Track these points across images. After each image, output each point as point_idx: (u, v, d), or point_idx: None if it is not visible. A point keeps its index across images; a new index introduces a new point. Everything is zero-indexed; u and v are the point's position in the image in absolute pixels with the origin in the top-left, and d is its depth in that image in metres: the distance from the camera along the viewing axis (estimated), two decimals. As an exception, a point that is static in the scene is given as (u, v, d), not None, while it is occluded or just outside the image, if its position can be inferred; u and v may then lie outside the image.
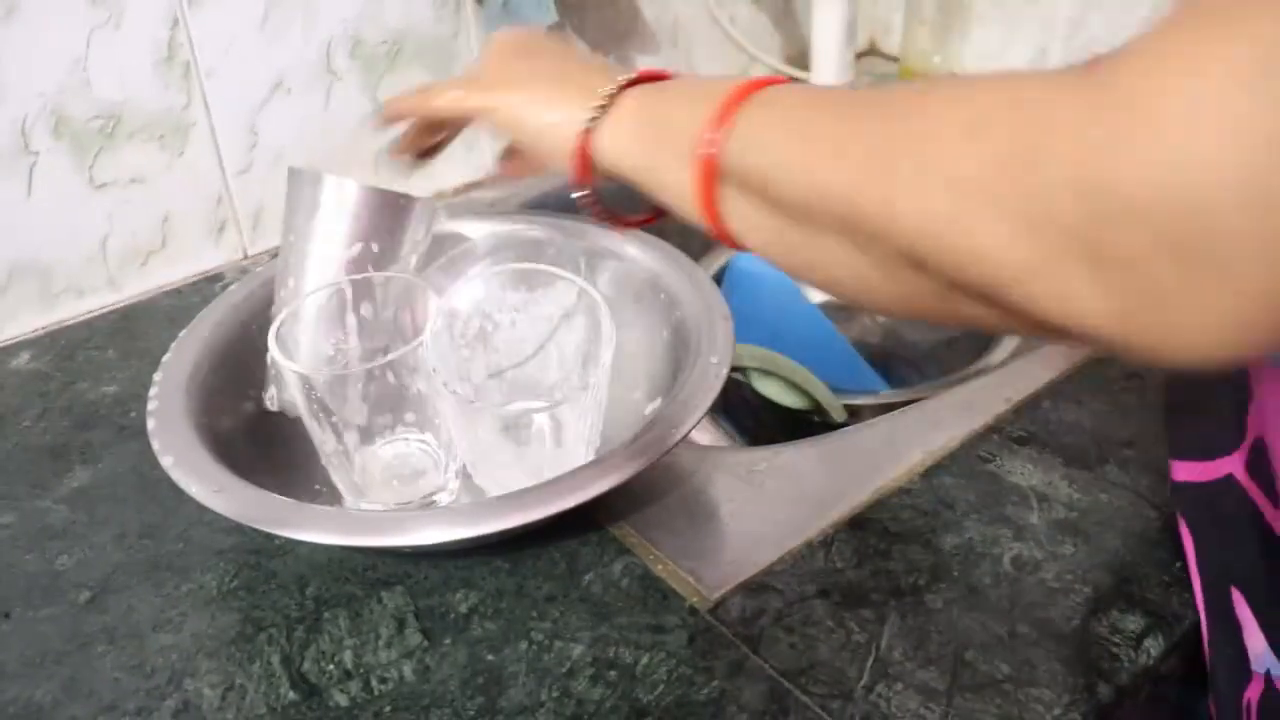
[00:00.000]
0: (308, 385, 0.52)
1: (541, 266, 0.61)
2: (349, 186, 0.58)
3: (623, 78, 0.47)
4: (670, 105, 0.44)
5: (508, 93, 0.51)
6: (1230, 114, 0.25)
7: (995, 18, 1.04)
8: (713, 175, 0.41)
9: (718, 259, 1.02)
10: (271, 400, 0.60)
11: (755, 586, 0.51)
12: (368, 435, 0.55)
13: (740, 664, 0.47)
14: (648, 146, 0.45)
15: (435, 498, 0.56)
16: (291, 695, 0.47)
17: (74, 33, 0.70)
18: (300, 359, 0.56)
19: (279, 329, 0.53)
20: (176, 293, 0.79)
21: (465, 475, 0.57)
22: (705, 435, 0.82)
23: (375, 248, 0.59)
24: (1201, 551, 0.48)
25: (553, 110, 0.48)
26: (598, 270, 0.66)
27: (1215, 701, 0.48)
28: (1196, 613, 0.49)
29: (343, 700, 0.46)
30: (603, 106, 0.46)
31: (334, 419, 0.52)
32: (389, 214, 0.59)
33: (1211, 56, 0.26)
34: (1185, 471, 0.49)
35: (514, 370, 0.61)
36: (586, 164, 0.47)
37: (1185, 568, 0.50)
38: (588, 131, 0.46)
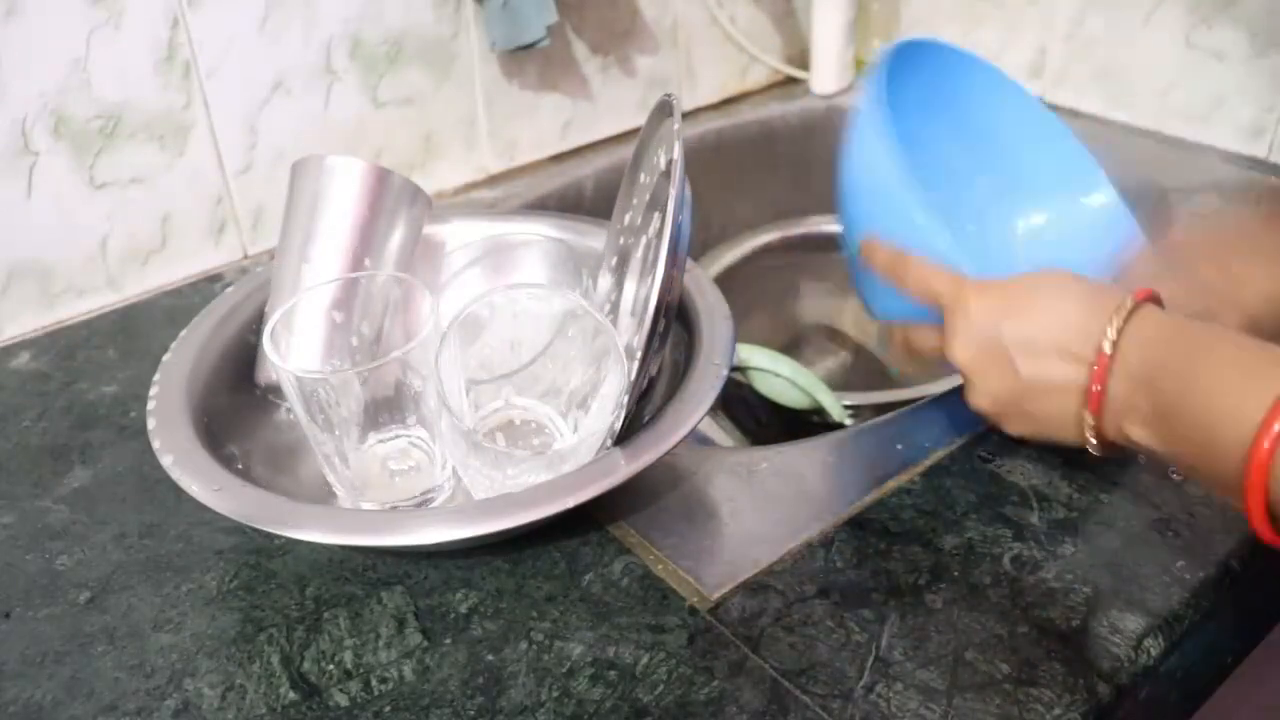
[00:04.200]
0: (304, 386, 0.52)
1: (538, 286, 0.62)
2: (355, 164, 0.59)
3: (1120, 315, 0.47)
4: (1200, 389, 0.43)
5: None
6: None
7: (995, 18, 1.04)
8: (1262, 495, 0.39)
9: (718, 259, 1.02)
10: (262, 382, 0.61)
11: (755, 586, 0.51)
12: (364, 434, 0.55)
13: (740, 664, 0.47)
14: (1173, 434, 0.44)
15: (432, 494, 0.56)
16: (291, 695, 0.47)
17: (74, 33, 0.71)
18: (297, 357, 0.56)
19: (275, 327, 0.53)
20: (176, 293, 0.79)
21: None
22: (705, 435, 0.82)
23: (376, 232, 0.60)
24: None
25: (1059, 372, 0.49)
26: (598, 270, 0.66)
27: None
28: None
29: (343, 700, 0.46)
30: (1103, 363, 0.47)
31: (330, 419, 0.52)
32: (391, 194, 0.61)
33: None
34: None
35: (508, 372, 0.61)
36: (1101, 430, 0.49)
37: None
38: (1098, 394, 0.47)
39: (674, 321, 0.59)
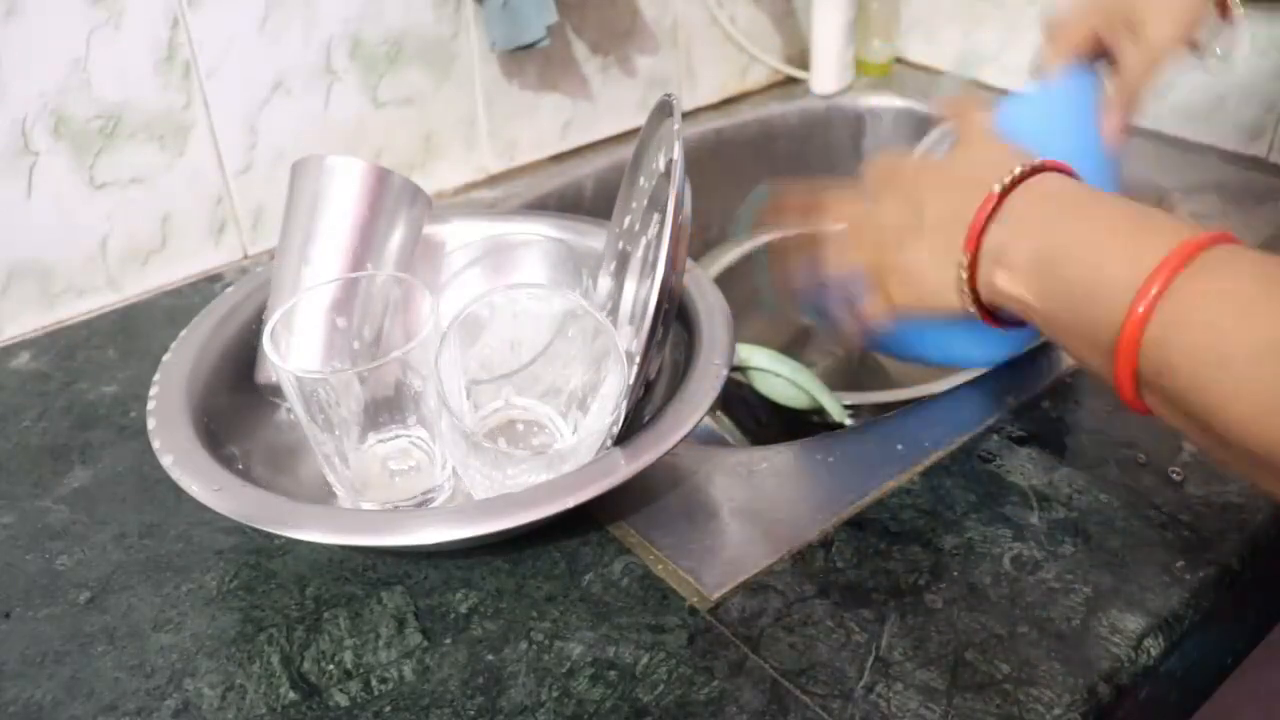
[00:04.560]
0: (304, 386, 0.52)
1: (538, 286, 0.62)
2: (355, 164, 0.59)
3: (1008, 177, 0.47)
4: (1086, 241, 0.43)
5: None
6: None
7: (995, 18, 1.04)
8: (1133, 358, 0.39)
9: (718, 259, 1.02)
10: (264, 379, 0.61)
11: (755, 586, 0.51)
12: (364, 434, 0.55)
13: (740, 664, 0.47)
14: (1050, 286, 0.44)
15: (432, 494, 0.56)
16: (291, 695, 0.47)
17: (74, 33, 0.71)
18: (296, 357, 0.56)
19: (275, 327, 0.53)
20: (176, 293, 0.79)
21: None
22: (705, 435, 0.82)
23: (376, 232, 0.60)
24: None
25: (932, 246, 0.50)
26: (598, 270, 0.66)
27: None
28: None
29: (343, 700, 0.46)
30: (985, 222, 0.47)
31: (330, 419, 0.52)
32: (391, 194, 0.61)
33: None
34: None
35: (508, 372, 0.61)
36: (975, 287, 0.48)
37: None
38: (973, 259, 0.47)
39: (674, 321, 0.59)
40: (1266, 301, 0.36)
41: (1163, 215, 0.42)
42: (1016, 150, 0.50)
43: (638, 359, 0.50)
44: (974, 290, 0.49)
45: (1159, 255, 0.38)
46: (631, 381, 0.50)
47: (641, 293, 0.61)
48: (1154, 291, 0.38)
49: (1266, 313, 0.36)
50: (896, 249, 0.52)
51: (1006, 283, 0.47)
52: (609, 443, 0.52)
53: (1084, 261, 0.42)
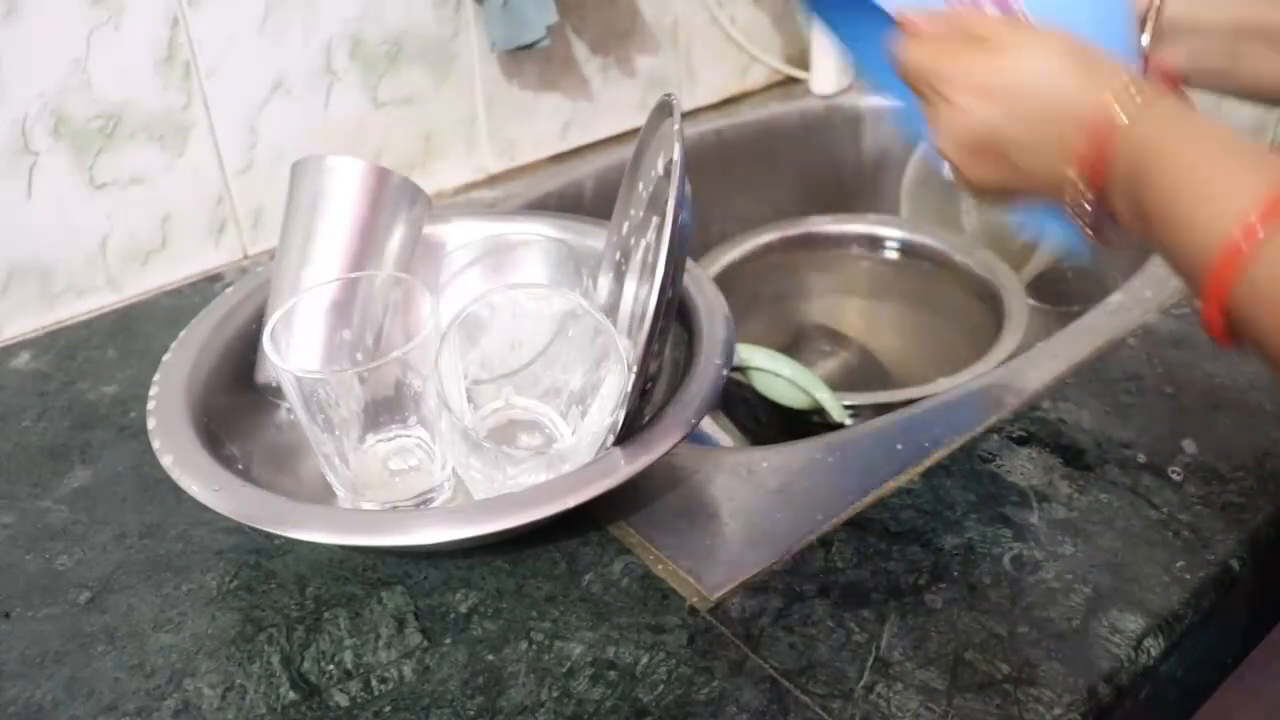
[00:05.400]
0: (304, 386, 0.52)
1: (538, 286, 0.62)
2: (355, 164, 0.59)
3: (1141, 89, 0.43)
4: (1199, 163, 0.41)
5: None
6: None
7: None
8: (1227, 285, 0.38)
9: (718, 259, 1.02)
10: (264, 379, 0.61)
11: (755, 586, 0.51)
12: (364, 434, 0.55)
13: (740, 664, 0.47)
14: (1159, 195, 0.41)
15: (432, 494, 0.56)
16: (291, 695, 0.47)
17: (74, 33, 0.71)
18: (296, 357, 0.56)
19: (275, 327, 0.53)
20: (176, 293, 0.79)
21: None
22: (705, 435, 0.82)
23: (376, 231, 0.60)
24: None
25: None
26: (598, 270, 0.66)
27: None
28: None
29: (343, 700, 0.46)
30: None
31: (330, 419, 0.52)
32: (391, 194, 0.61)
33: None
34: None
35: (508, 372, 0.61)
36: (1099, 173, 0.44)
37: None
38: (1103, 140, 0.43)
39: (674, 321, 0.59)
40: None
41: (1259, 152, 0.40)
42: (1083, 56, 0.45)
43: (638, 358, 0.50)
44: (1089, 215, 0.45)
45: (1257, 197, 0.37)
46: (630, 386, 0.50)
47: (642, 292, 0.61)
48: (1243, 248, 0.37)
49: None
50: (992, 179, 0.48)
51: (1115, 203, 0.44)
52: (609, 443, 0.52)
53: (1184, 193, 0.41)
